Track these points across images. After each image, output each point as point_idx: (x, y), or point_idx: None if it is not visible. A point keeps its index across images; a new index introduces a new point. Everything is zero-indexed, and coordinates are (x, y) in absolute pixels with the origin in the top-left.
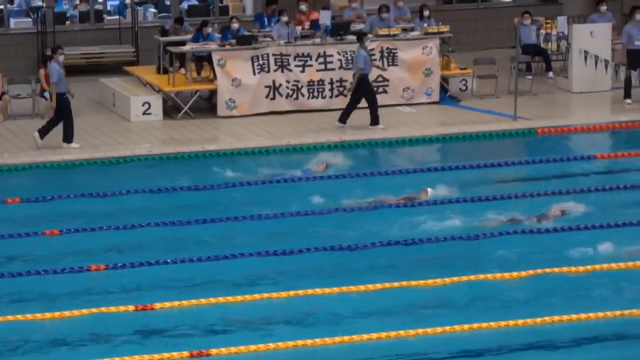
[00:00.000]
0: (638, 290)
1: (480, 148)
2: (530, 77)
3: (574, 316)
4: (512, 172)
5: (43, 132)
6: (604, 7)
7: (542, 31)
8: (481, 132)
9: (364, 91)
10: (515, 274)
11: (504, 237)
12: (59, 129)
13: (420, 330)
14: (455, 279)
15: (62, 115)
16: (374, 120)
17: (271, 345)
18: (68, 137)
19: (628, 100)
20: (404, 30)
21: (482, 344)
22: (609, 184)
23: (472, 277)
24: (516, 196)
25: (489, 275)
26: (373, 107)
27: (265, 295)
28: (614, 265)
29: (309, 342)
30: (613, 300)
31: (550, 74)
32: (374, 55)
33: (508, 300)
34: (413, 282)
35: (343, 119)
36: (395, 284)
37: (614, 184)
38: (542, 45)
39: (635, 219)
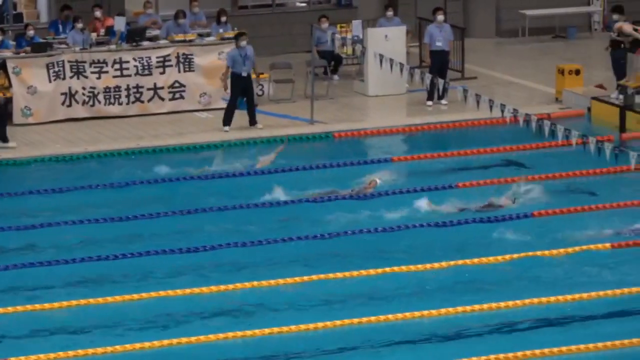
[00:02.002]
0: None
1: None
2: (327, 81)
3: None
4: (310, 176)
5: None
6: (390, 13)
7: (338, 35)
8: (278, 137)
9: (236, 90)
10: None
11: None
12: None
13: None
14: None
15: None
16: (252, 121)
17: (90, 350)
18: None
19: (429, 102)
20: (200, 35)
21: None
22: (407, 187)
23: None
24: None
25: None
26: (250, 108)
27: (83, 301)
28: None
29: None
30: None
31: (336, 76)
32: (170, 61)
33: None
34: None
35: (227, 121)
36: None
37: (410, 187)
38: (338, 49)
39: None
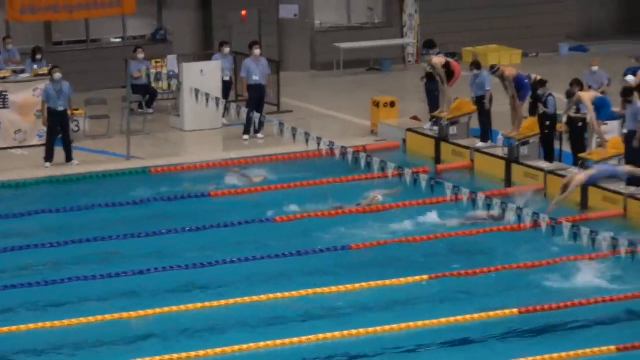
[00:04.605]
0: None
1: (94, 189)
2: (143, 116)
3: None
4: (127, 212)
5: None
6: (227, 49)
7: (153, 70)
8: (95, 173)
9: (53, 126)
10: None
11: None
12: None
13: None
14: None
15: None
16: (68, 157)
17: None
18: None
19: (246, 137)
20: (15, 72)
21: None
22: (224, 222)
23: None
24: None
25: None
26: (66, 144)
27: None
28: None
29: None
30: None
31: (150, 110)
32: None
33: None
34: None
35: (48, 157)
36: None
37: (229, 222)
38: (153, 84)
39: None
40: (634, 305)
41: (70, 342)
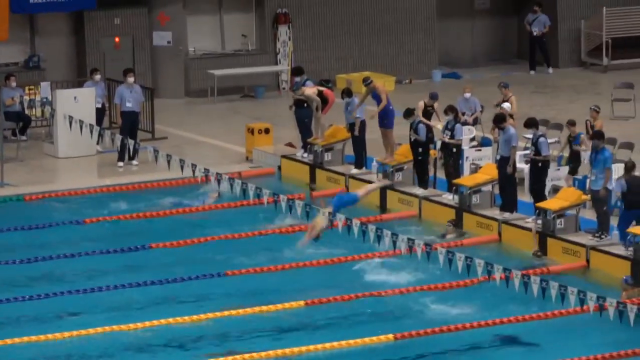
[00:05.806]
0: None
1: None
2: (17, 143)
3: None
4: (2, 240)
5: None
6: (97, 76)
7: (26, 97)
8: None
9: None
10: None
11: None
12: None
13: None
14: None
15: None
16: None
17: None
18: None
19: (120, 163)
20: None
21: None
22: (99, 249)
23: None
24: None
25: None
26: None
27: None
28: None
29: None
30: None
31: (23, 137)
32: None
33: None
34: None
35: None
36: None
37: (104, 249)
38: (27, 111)
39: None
40: (505, 330)
41: None
